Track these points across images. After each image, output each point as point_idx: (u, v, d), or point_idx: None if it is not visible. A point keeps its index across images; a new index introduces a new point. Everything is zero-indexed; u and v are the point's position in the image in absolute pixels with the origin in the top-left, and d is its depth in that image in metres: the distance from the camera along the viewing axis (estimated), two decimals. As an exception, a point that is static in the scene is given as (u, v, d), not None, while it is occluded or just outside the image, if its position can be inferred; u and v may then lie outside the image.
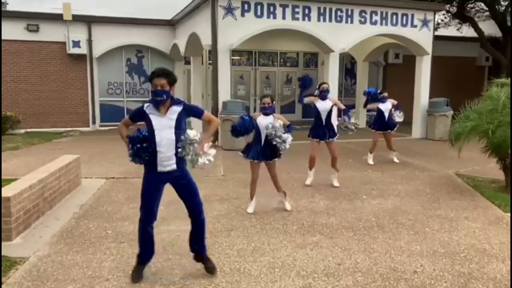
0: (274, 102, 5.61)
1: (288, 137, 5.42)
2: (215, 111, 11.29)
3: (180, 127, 3.62)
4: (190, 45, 13.20)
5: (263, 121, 5.49)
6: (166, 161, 3.62)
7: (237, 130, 5.38)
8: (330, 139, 7.03)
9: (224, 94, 11.12)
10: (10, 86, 14.44)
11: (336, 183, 7.12)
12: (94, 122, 15.61)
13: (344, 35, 12.35)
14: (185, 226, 5.04)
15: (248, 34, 11.28)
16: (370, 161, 9.12)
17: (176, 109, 3.61)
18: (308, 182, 7.11)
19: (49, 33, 14.70)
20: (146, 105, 3.67)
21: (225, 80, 11.17)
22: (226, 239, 4.79)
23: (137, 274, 3.82)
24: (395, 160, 9.30)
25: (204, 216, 3.99)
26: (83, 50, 15.02)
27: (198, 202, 3.88)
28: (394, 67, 18.42)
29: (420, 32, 13.27)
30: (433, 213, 5.83)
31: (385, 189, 7.05)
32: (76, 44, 14.94)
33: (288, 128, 5.49)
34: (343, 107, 7.19)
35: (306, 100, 7.08)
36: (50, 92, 14.81)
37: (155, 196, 3.77)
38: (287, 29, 11.98)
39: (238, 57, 17.65)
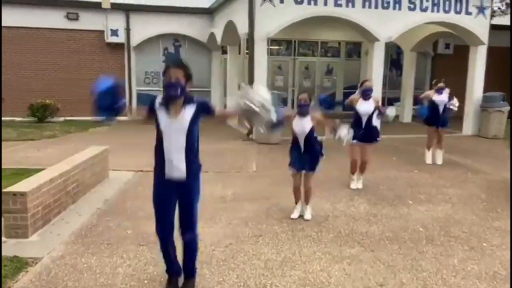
0: (312, 101, 5.01)
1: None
2: (250, 103, 10.82)
3: (193, 130, 3.10)
4: (226, 34, 12.77)
5: (298, 124, 4.95)
6: (176, 169, 3.13)
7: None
8: (369, 143, 6.39)
9: (260, 85, 10.59)
10: (49, 74, 14.59)
11: (356, 185, 6.49)
12: (131, 112, 15.52)
13: (390, 23, 11.49)
14: (208, 227, 4.68)
15: (287, 22, 10.68)
16: (428, 160, 8.37)
17: (190, 110, 3.07)
18: (353, 186, 6.50)
19: (88, 21, 14.70)
20: (157, 100, 3.12)
21: (261, 70, 10.65)
22: (253, 247, 4.32)
23: None
24: (439, 161, 8.43)
25: (197, 235, 3.37)
26: (121, 39, 14.95)
27: (192, 213, 3.26)
28: (443, 58, 17.22)
29: (476, 20, 12.16)
30: (490, 224, 5.10)
31: (434, 194, 6.34)
32: (114, 32, 14.88)
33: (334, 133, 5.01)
34: (383, 110, 6.48)
35: (348, 101, 6.47)
36: (88, 81, 14.68)
37: (167, 207, 3.25)
38: (329, 17, 11.27)
39: (277, 47, 17.06)
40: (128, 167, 7.67)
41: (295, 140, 5.06)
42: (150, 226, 4.75)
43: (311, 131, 4.95)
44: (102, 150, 6.72)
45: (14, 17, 13.89)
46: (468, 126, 12.72)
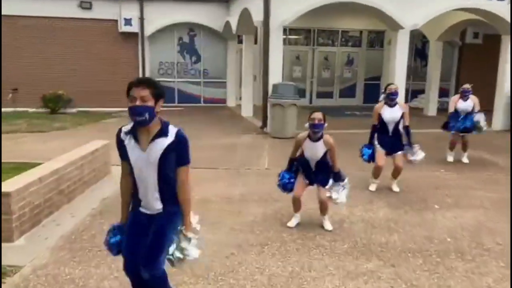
0: (325, 122, 4.32)
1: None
2: (264, 95, 10.30)
3: (167, 168, 2.59)
4: (241, 22, 12.23)
5: (310, 148, 4.37)
6: (150, 206, 2.70)
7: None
8: (398, 152, 5.79)
9: (275, 76, 10.06)
10: (62, 64, 14.32)
11: (396, 188, 5.92)
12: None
13: (416, 10, 10.73)
14: (210, 234, 4.18)
15: (304, 8, 10.06)
16: (450, 158, 7.74)
17: (163, 142, 2.54)
18: (372, 188, 5.94)
19: (101, 10, 14.34)
20: (123, 129, 2.62)
21: (276, 60, 10.08)
22: (257, 258, 3.84)
23: None
24: (465, 160, 7.79)
25: (161, 274, 2.71)
26: (134, 28, 14.55)
27: (160, 244, 2.65)
28: (472, 47, 16.25)
29: (508, 6, 11.25)
30: (529, 235, 4.49)
31: (462, 197, 5.73)
32: (128, 22, 14.49)
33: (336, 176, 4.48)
34: (407, 122, 5.75)
35: (373, 115, 5.82)
36: (101, 71, 14.55)
37: (137, 241, 2.72)
38: (350, 3, 10.59)
39: (295, 36, 16.42)
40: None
41: (304, 162, 4.49)
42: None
43: (324, 156, 4.37)
44: (103, 145, 6.33)
45: (27, 6, 13.65)
46: (498, 120, 11.89)
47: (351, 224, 4.67)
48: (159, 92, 2.53)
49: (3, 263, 3.63)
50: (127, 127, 2.62)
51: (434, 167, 7.25)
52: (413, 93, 16.79)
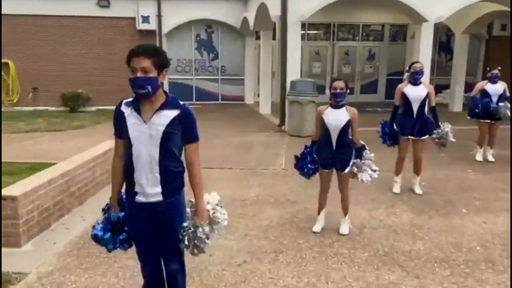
0: (348, 90, 4.13)
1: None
2: (282, 92, 10.05)
3: (171, 140, 2.36)
4: (259, 18, 11.97)
5: (332, 117, 4.12)
6: (148, 190, 2.42)
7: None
8: (423, 137, 5.43)
9: (293, 72, 9.78)
10: (81, 63, 14.37)
11: (418, 190, 5.57)
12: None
13: (441, 1, 10.27)
14: (221, 239, 3.95)
15: (323, 2, 9.75)
16: (479, 157, 7.35)
17: (168, 114, 2.34)
18: (396, 190, 5.60)
19: (119, 8, 14.31)
20: (125, 101, 2.41)
21: (294, 56, 9.79)
22: (271, 267, 3.63)
23: None
24: (490, 158, 7.38)
25: (183, 265, 2.69)
26: (152, 25, 14.47)
27: (176, 240, 2.49)
28: (499, 40, 15.58)
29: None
30: None
31: (492, 200, 5.38)
32: (146, 19, 14.41)
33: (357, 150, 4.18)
34: (433, 103, 5.42)
35: (395, 96, 5.48)
36: (119, 69, 14.45)
37: (148, 239, 2.54)
38: (371, -4, 10.23)
39: (314, 31, 16.07)
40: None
41: (324, 137, 4.23)
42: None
43: (347, 125, 4.10)
44: (117, 145, 6.21)
45: (45, 5, 13.72)
46: (529, 116, 11.31)
47: (372, 230, 4.40)
48: (163, 61, 2.31)
49: (8, 269, 3.53)
50: (129, 99, 2.40)
51: (461, 167, 6.88)
52: (437, 88, 16.15)
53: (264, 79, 12.99)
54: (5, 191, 3.97)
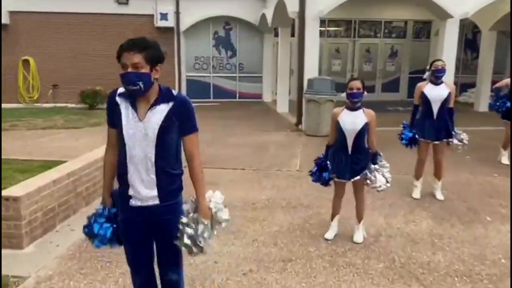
0: (365, 90, 3.87)
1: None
2: (299, 90, 9.80)
3: (167, 138, 2.20)
4: (277, 14, 11.73)
5: (348, 120, 3.87)
6: (143, 193, 2.25)
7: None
8: (444, 140, 5.12)
9: (311, 70, 9.52)
10: (100, 60, 14.39)
11: (440, 196, 5.26)
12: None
13: (467, -4, 9.85)
14: (228, 245, 3.83)
15: (343, -2, 9.46)
16: (506, 160, 6.95)
17: (163, 108, 2.18)
18: (416, 195, 5.30)
19: (138, 5, 14.31)
20: (119, 90, 2.23)
21: (312, 53, 9.53)
22: (279, 277, 3.42)
23: None
24: (505, 161, 6.96)
25: (182, 275, 2.51)
26: (170, 23, 14.42)
27: (174, 249, 2.34)
28: (529, 37, 14.90)
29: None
30: None
31: (519, 207, 5.03)
32: (164, 16, 14.37)
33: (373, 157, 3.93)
34: (452, 104, 5.08)
35: (415, 96, 5.19)
36: (137, 67, 14.53)
37: (141, 245, 2.39)
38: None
39: (334, 28, 15.73)
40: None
41: (339, 141, 3.99)
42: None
43: (364, 128, 3.85)
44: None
45: (64, 3, 13.83)
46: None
47: (389, 238, 4.14)
48: (156, 55, 2.14)
49: (8, 273, 3.43)
50: (122, 91, 2.21)
51: (486, 171, 6.51)
52: (462, 87, 15.68)
53: (281, 77, 12.75)
54: (8, 192, 3.89)
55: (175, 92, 2.24)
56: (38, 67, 14.36)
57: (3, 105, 13.99)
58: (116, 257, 3.74)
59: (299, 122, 9.91)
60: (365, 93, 3.87)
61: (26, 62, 14.23)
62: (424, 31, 16.01)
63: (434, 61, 5.11)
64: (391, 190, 5.34)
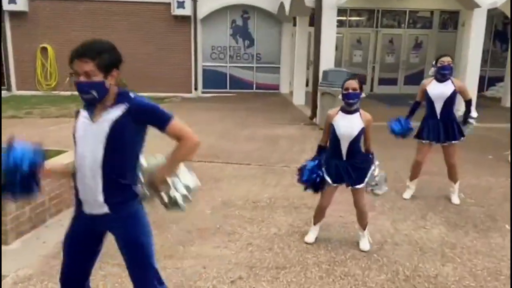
0: (362, 91, 3.54)
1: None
2: (315, 82, 9.44)
3: (120, 140, 2.02)
4: (295, 3, 11.33)
5: (343, 124, 3.54)
6: (91, 202, 2.08)
7: None
8: (448, 142, 4.76)
9: (327, 61, 9.13)
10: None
11: (456, 200, 4.87)
12: (196, 88, 14.90)
13: (497, -16, 9.24)
14: (220, 248, 3.48)
15: (362, -15, 8.99)
16: None
17: (114, 112, 2.02)
18: (406, 195, 4.97)
19: (155, -7, 14.14)
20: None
21: (329, 44, 9.14)
22: (269, 287, 3.17)
23: None
24: None
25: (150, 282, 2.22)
26: (187, 11, 14.17)
27: (143, 268, 2.17)
28: None
29: None
30: None
31: (543, 215, 4.61)
32: (181, 4, 14.12)
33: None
34: (469, 96, 4.78)
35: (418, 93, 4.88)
36: (153, 56, 14.38)
37: (80, 253, 2.23)
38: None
39: (356, 18, 15.18)
40: (165, 153, 6.78)
41: (333, 147, 3.67)
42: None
43: (360, 133, 3.54)
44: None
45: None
46: None
47: (394, 246, 3.82)
48: (111, 60, 1.99)
49: (-11, 270, 3.30)
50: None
51: (506, 174, 6.03)
52: (490, 81, 14.95)
53: (298, 68, 12.39)
54: (-6, 185, 3.75)
55: (132, 94, 2.07)
56: (56, 55, 14.37)
57: (21, 92, 14.19)
58: (101, 257, 3.56)
59: (313, 115, 9.57)
60: (363, 94, 3.55)
61: (44, 50, 14.27)
62: (451, 21, 15.29)
63: (440, 56, 4.74)
64: (401, 191, 5.03)
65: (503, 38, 15.05)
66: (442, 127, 4.68)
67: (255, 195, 5.06)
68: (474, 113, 4.84)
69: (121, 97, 2.04)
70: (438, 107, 4.67)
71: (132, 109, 2.01)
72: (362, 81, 3.62)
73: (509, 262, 3.58)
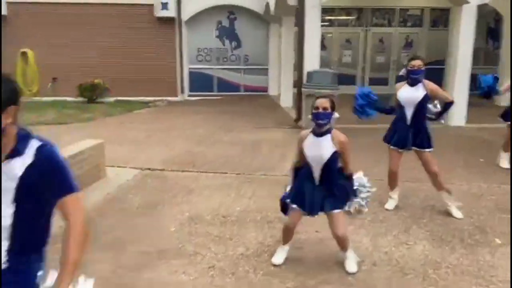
0: (334, 110, 3.19)
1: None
2: (299, 83, 9.07)
3: (29, 201, 1.66)
4: (279, 2, 10.98)
5: (312, 147, 3.21)
6: None
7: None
8: (420, 149, 4.41)
9: (312, 62, 8.76)
10: (99, 52, 13.91)
11: (457, 214, 4.41)
12: (182, 92, 14.52)
13: (486, -21, 8.90)
14: (177, 273, 3.27)
15: (347, -18, 8.64)
16: (505, 164, 6.13)
17: (17, 164, 1.63)
18: (389, 206, 4.60)
19: (137, -6, 13.75)
20: None
21: (313, 44, 8.75)
22: (226, 320, 2.79)
23: None
24: (503, 164, 6.13)
25: None
26: (171, 12, 13.78)
27: None
28: (558, 24, 13.71)
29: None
30: None
31: (537, 226, 4.25)
32: (165, 6, 13.74)
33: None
34: (450, 98, 4.48)
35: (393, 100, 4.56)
36: (137, 59, 13.96)
37: None
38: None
39: (345, 16, 14.83)
40: (137, 163, 6.42)
41: (306, 170, 3.32)
42: (103, 264, 3.46)
43: (333, 158, 3.19)
44: (95, 144, 5.56)
45: (63, -8, 13.38)
46: None
47: (372, 267, 3.44)
48: (4, 97, 1.56)
49: None
50: None
51: (502, 178, 5.66)
52: (482, 80, 14.61)
53: (285, 69, 12.04)
54: None
55: (37, 142, 1.66)
56: (38, 60, 13.95)
57: None
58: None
59: (298, 118, 9.20)
60: (336, 114, 3.18)
61: (24, 55, 13.84)
62: (442, 19, 14.94)
63: (411, 59, 4.42)
64: (384, 201, 4.66)
65: (495, 35, 14.73)
66: (411, 133, 4.38)
67: (226, 208, 4.68)
68: (442, 120, 4.62)
69: (22, 144, 1.64)
70: (409, 113, 4.36)
71: (39, 162, 1.64)
72: (334, 101, 3.23)
73: (499, 284, 3.21)
